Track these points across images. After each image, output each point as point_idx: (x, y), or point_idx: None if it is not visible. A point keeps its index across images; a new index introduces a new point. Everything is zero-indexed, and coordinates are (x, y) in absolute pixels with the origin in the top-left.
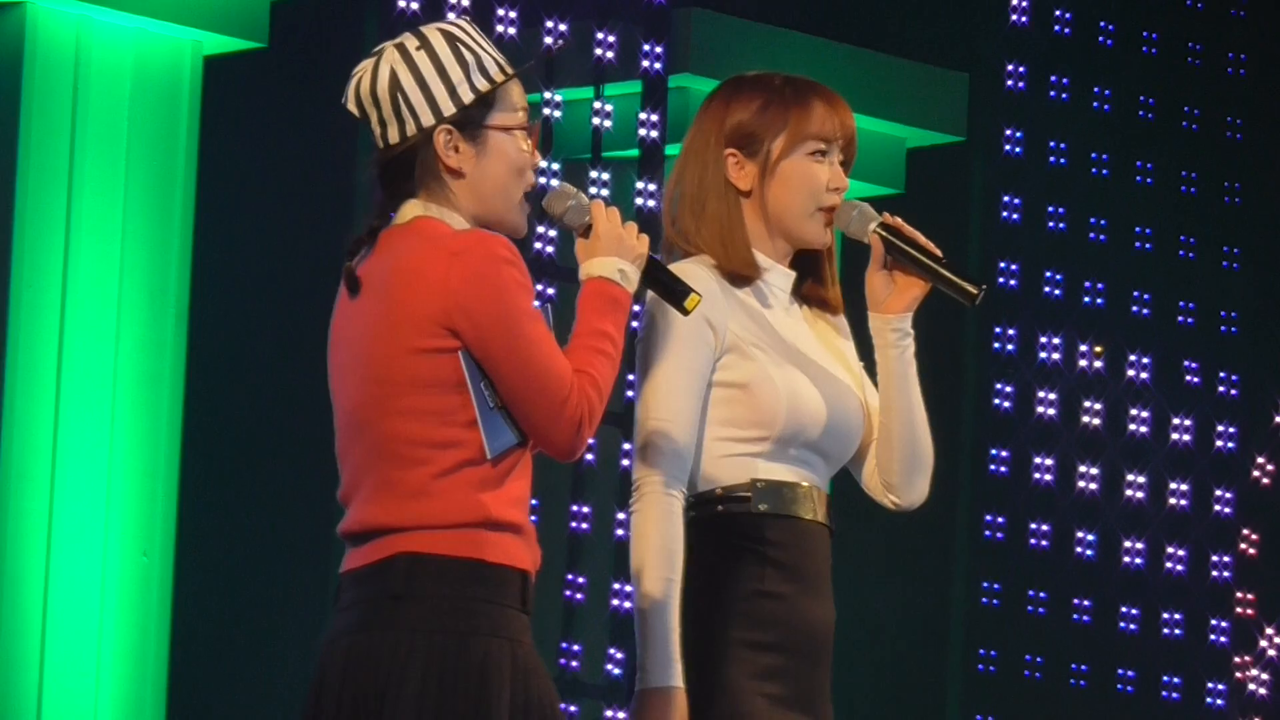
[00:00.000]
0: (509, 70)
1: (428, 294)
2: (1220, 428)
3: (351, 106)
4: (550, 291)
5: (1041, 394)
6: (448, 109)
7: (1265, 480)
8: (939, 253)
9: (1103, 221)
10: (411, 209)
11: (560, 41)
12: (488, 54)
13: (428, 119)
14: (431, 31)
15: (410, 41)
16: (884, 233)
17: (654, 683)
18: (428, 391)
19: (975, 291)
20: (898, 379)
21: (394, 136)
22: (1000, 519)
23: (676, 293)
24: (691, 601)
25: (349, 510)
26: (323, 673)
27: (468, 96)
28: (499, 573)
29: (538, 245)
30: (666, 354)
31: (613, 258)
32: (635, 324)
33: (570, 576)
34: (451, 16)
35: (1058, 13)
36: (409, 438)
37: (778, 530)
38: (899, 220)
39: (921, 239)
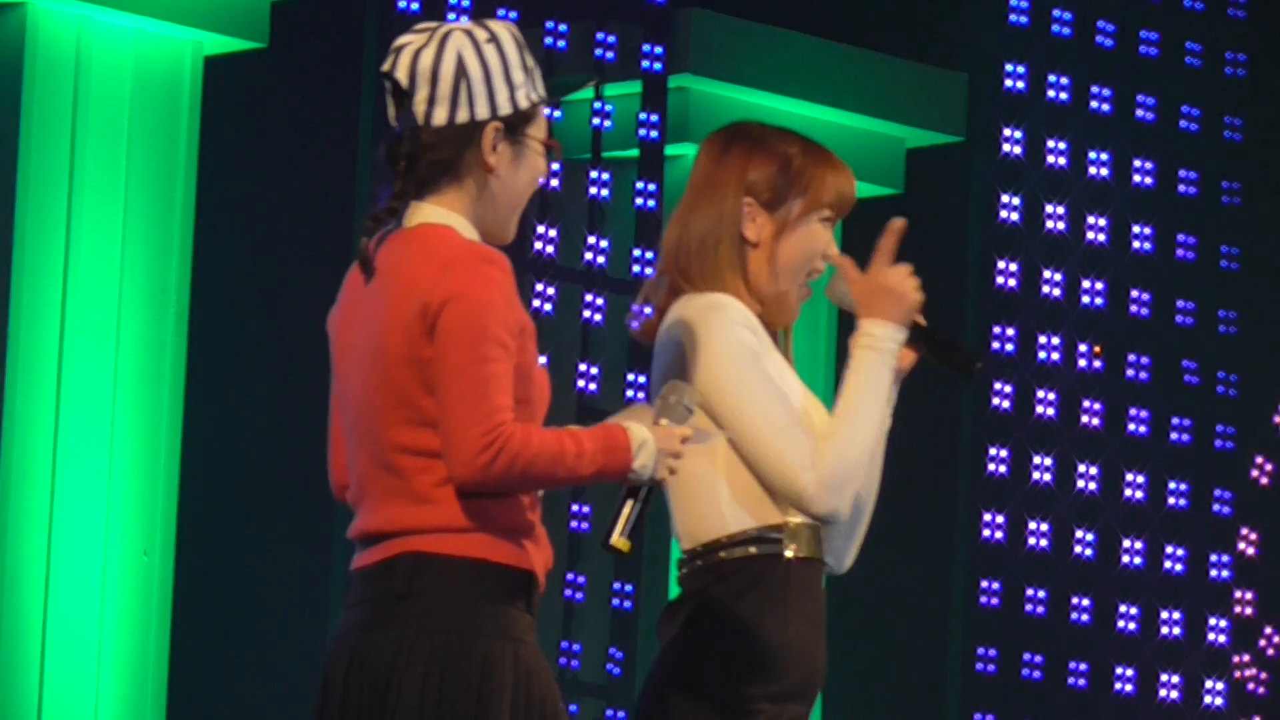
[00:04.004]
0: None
1: (415, 302)
2: (1219, 428)
3: (401, 76)
4: (550, 291)
5: (1040, 394)
6: (505, 108)
7: (1264, 480)
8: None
9: (1102, 221)
10: (418, 213)
11: (561, 43)
12: (538, 67)
13: (483, 112)
14: (500, 29)
15: (480, 33)
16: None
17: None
18: (425, 401)
19: (977, 368)
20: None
21: (440, 118)
22: (999, 519)
23: (618, 524)
24: (721, 662)
25: (357, 514)
26: (329, 670)
27: (524, 102)
28: (504, 573)
29: (538, 245)
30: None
31: (653, 442)
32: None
33: (570, 576)
34: (452, 17)
35: (1057, 13)
36: (409, 447)
37: (802, 575)
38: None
39: (920, 320)
